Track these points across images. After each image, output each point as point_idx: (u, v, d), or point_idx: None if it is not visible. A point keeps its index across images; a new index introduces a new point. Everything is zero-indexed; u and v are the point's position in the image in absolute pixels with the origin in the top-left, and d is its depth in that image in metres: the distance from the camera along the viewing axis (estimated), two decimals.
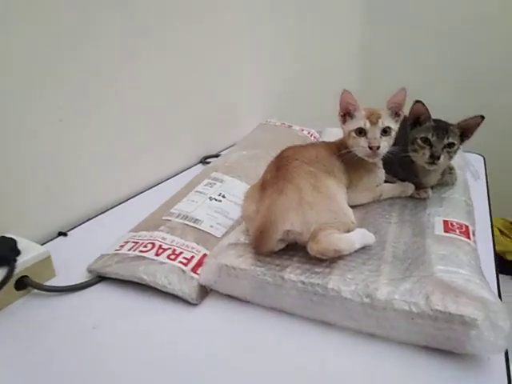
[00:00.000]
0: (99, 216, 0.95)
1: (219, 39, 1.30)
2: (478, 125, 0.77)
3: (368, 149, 0.76)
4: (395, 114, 0.79)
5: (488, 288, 0.56)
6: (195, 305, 0.66)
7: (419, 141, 0.78)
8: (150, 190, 1.09)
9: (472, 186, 0.99)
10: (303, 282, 0.60)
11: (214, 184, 0.95)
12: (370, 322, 0.57)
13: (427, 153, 0.77)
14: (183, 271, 0.68)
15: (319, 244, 0.62)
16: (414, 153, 0.80)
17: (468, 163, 1.05)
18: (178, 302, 0.66)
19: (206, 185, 0.94)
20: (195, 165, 1.28)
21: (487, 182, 1.12)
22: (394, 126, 0.78)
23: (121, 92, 0.98)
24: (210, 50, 1.26)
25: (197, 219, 0.81)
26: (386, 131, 0.77)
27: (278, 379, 0.53)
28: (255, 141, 1.23)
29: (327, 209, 0.66)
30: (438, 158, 0.76)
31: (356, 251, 0.65)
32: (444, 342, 0.54)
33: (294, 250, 0.66)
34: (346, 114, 0.79)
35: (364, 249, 0.66)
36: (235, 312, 0.65)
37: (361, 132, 0.76)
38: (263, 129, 1.36)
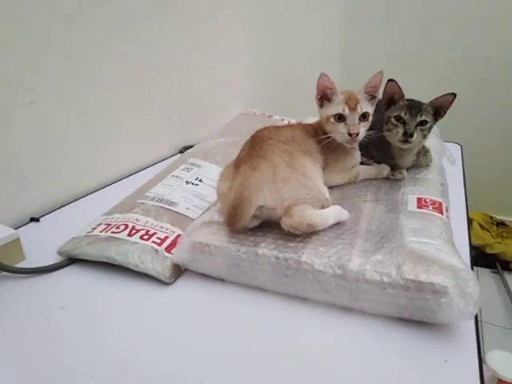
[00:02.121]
0: (74, 202, 0.94)
1: (200, 29, 1.29)
2: (451, 103, 0.78)
3: (347, 135, 0.76)
4: (371, 96, 0.80)
5: (458, 256, 0.57)
6: (169, 284, 0.65)
7: (393, 119, 0.79)
8: (127, 178, 1.08)
9: (448, 171, 1.00)
10: (277, 257, 0.59)
11: (191, 169, 0.94)
12: (343, 294, 0.57)
13: (400, 131, 0.78)
14: (156, 251, 0.67)
15: (293, 218, 0.61)
16: (388, 132, 0.81)
17: (444, 148, 1.06)
18: (152, 282, 0.65)
19: (182, 169, 0.93)
20: (175, 155, 1.26)
21: (463, 169, 1.14)
22: (371, 110, 0.79)
23: (98, 78, 0.96)
24: (191, 39, 1.26)
25: (172, 202, 0.80)
26: (364, 116, 0.77)
27: (254, 356, 0.52)
28: (234, 129, 1.22)
29: (301, 185, 0.66)
30: (411, 135, 0.77)
31: (330, 227, 0.65)
32: (416, 312, 0.54)
33: (269, 227, 0.66)
34: (324, 98, 0.79)
35: (338, 224, 0.66)
36: (210, 291, 0.64)
37: (340, 118, 0.76)
38: (243, 118, 1.36)
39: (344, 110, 0.76)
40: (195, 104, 1.33)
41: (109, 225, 0.74)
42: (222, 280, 0.65)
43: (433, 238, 0.60)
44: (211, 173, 0.93)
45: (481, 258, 2.16)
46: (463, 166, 1.14)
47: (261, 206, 0.63)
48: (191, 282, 0.66)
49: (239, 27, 1.51)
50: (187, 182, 0.88)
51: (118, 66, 1.01)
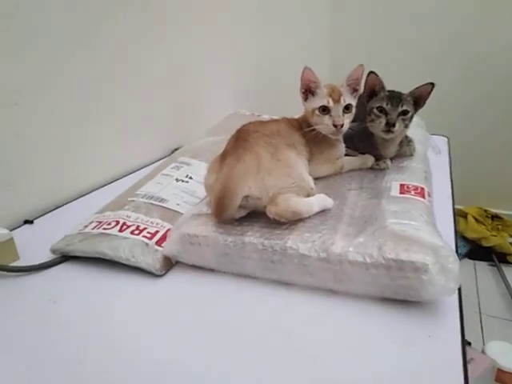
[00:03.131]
0: (67, 204, 0.95)
1: (189, 30, 1.32)
2: (429, 92, 0.80)
3: (332, 126, 0.78)
4: (353, 89, 0.82)
5: (438, 235, 0.59)
6: (160, 276, 0.66)
7: (375, 110, 0.81)
8: (119, 180, 1.09)
9: (435, 162, 1.02)
10: (263, 244, 0.61)
11: (181, 167, 0.96)
12: (328, 276, 0.58)
13: (383, 121, 0.80)
14: (147, 244, 0.68)
15: (278, 206, 0.63)
16: (371, 123, 0.83)
17: (429, 139, 1.09)
18: (143, 275, 0.66)
19: (172, 168, 0.95)
20: (166, 156, 1.28)
21: (450, 160, 1.16)
22: (354, 103, 0.81)
23: (86, 79, 0.97)
24: (181, 41, 1.28)
25: (163, 198, 0.82)
26: (347, 108, 0.79)
27: (245, 343, 0.53)
28: (223, 128, 1.23)
29: (286, 174, 0.68)
30: (394, 125, 0.79)
31: (315, 214, 0.67)
32: (399, 290, 0.56)
33: (256, 217, 0.67)
34: (308, 91, 0.81)
35: (323, 212, 0.68)
36: (200, 281, 0.65)
37: (324, 110, 0.79)
38: (232, 118, 1.38)
39: (328, 102, 0.78)
40: (186, 106, 1.36)
41: (100, 222, 0.75)
42: (211, 270, 0.66)
43: (413, 219, 0.62)
44: (201, 170, 0.93)
45: (477, 251, 2.17)
46: (450, 156, 1.16)
47: (246, 196, 0.65)
48: (182, 273, 0.67)
49: (228, 28, 1.54)
50: (177, 180, 0.90)
51: (106, 67, 1.03)
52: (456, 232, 0.75)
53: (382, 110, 0.81)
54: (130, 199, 0.82)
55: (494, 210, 2.38)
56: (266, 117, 1.41)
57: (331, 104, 0.78)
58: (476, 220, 2.31)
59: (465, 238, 2.19)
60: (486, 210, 2.37)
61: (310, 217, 0.66)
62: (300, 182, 0.68)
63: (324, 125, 0.79)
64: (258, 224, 0.66)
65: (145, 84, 1.16)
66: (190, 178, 0.92)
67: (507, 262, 2.16)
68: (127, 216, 0.75)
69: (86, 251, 0.69)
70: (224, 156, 0.71)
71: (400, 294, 0.56)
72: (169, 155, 1.28)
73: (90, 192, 1.01)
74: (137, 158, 1.18)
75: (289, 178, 0.67)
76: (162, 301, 0.62)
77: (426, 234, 0.58)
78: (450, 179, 1.01)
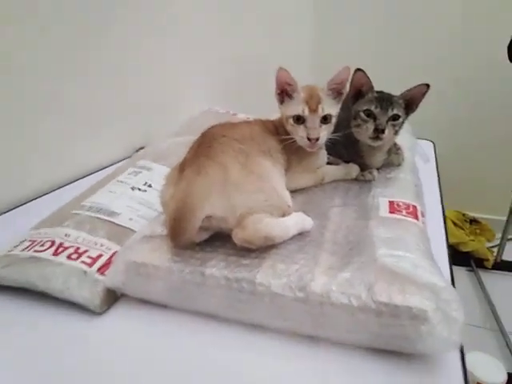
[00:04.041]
0: (2, 215, 0.81)
1: (159, 22, 1.18)
2: (423, 94, 0.71)
3: (306, 139, 0.67)
4: (337, 93, 0.71)
5: (438, 272, 0.49)
6: (100, 314, 0.54)
7: (362, 114, 0.71)
8: (72, 184, 0.95)
9: (422, 170, 0.93)
10: (227, 278, 0.50)
11: (140, 172, 0.83)
12: (305, 320, 0.48)
13: (371, 127, 0.70)
14: (85, 273, 0.56)
15: (245, 230, 0.52)
16: (357, 128, 0.73)
17: (416, 146, 0.99)
18: (80, 311, 0.54)
19: (129, 174, 0.82)
20: (130, 156, 1.15)
21: (437, 167, 1.07)
22: (335, 111, 0.70)
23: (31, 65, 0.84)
24: (150, 29, 1.15)
25: (113, 212, 0.69)
26: (326, 118, 0.69)
27: None
28: (193, 127, 1.11)
29: (257, 190, 0.56)
30: (383, 131, 0.69)
31: (291, 238, 0.56)
32: (391, 340, 0.45)
33: (221, 240, 0.56)
34: (284, 93, 0.70)
35: (301, 235, 0.57)
36: (150, 321, 0.54)
37: (299, 119, 0.68)
38: (205, 116, 1.25)
39: (304, 111, 0.67)
40: (155, 102, 1.22)
41: (33, 241, 0.62)
42: (165, 306, 0.54)
43: (408, 249, 0.52)
44: (162, 177, 0.81)
45: (455, 256, 2.13)
46: (437, 163, 1.08)
47: (209, 217, 0.53)
48: (128, 309, 0.55)
49: (206, 23, 1.40)
50: (133, 188, 0.77)
51: (54, 63, 0.89)
52: (449, 252, 0.66)
53: (369, 113, 0.70)
54: (73, 212, 0.69)
55: (472, 214, 2.34)
56: (241, 116, 1.29)
57: (306, 113, 0.67)
58: (454, 224, 2.27)
59: None
60: (464, 214, 2.33)
61: (285, 241, 0.55)
62: (274, 200, 0.57)
63: (298, 136, 0.68)
64: (224, 250, 0.54)
65: (107, 74, 1.02)
66: (149, 186, 0.79)
67: (484, 268, 2.13)
68: (66, 235, 0.62)
69: (11, 280, 0.56)
70: (183, 166, 0.59)
71: (392, 345, 0.46)
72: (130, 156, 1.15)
73: (30, 200, 0.86)
74: (93, 159, 1.04)
75: (261, 195, 0.56)
76: (100, 345, 0.50)
77: (423, 270, 0.48)
78: (439, 190, 0.92)
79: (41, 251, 0.59)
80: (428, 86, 0.70)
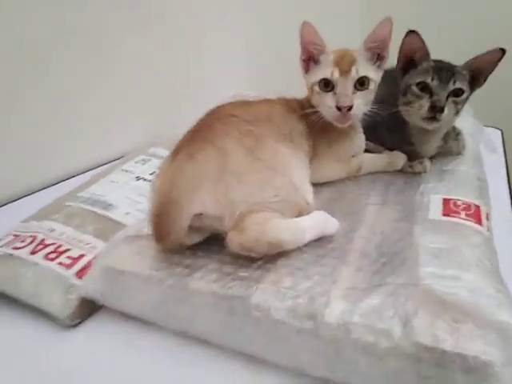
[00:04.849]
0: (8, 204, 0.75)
1: (190, 7, 1.08)
2: (496, 63, 0.55)
3: (336, 109, 0.54)
4: (377, 56, 0.57)
5: (508, 302, 0.34)
6: (73, 326, 0.45)
7: (414, 88, 0.56)
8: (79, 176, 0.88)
9: (487, 163, 0.76)
10: (216, 295, 0.38)
11: (149, 160, 0.74)
12: (315, 360, 0.35)
13: (426, 104, 0.55)
14: (60, 277, 0.47)
15: (244, 234, 0.40)
16: (406, 106, 0.58)
17: (481, 132, 0.81)
18: (51, 323, 0.45)
19: (137, 162, 0.73)
20: None
21: (506, 159, 0.88)
22: (375, 75, 0.57)
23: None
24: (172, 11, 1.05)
25: (109, 204, 0.61)
26: (362, 83, 0.55)
27: None
28: None
29: (265, 182, 0.44)
30: (442, 109, 0.54)
31: (309, 244, 0.43)
32: None
33: (217, 243, 0.44)
34: (311, 59, 0.57)
35: (322, 241, 0.44)
36: (128, 337, 0.44)
37: (327, 85, 0.54)
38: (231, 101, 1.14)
39: (332, 73, 0.54)
40: (178, 86, 1.12)
41: (17, 236, 0.55)
42: (148, 322, 0.44)
43: (467, 268, 0.37)
44: None
45: None
46: (505, 155, 0.88)
47: (199, 214, 0.42)
48: (106, 323, 0.46)
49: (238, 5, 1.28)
50: (138, 178, 0.68)
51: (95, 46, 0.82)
52: None
53: (424, 87, 0.56)
54: (67, 204, 0.61)
55: None
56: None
57: (336, 76, 0.54)
58: None
59: None
60: None
61: (299, 248, 0.43)
62: (287, 195, 0.45)
63: (325, 106, 0.55)
64: (219, 256, 0.43)
65: (127, 67, 0.94)
66: None
67: None
68: (50, 230, 0.54)
69: None
70: (177, 150, 0.48)
71: None
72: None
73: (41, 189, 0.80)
74: (118, 148, 0.96)
75: (269, 189, 0.44)
76: (71, 364, 0.41)
77: (488, 299, 0.33)
78: (508, 187, 0.74)
79: (19, 248, 0.51)
80: (504, 51, 0.53)
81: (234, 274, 0.40)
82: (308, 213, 0.46)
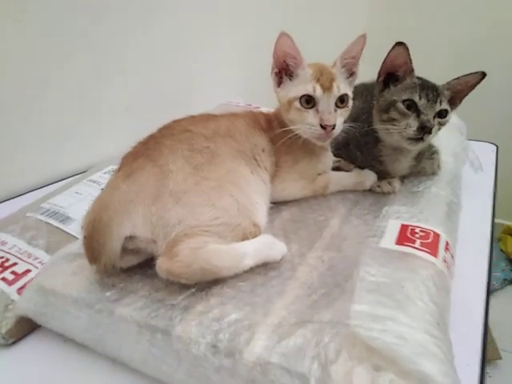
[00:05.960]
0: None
1: (181, 16, 1.08)
2: (474, 86, 0.52)
3: (320, 128, 0.51)
4: (349, 72, 0.56)
5: (444, 350, 0.31)
6: (7, 346, 0.44)
7: (401, 105, 0.53)
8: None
9: (472, 181, 0.73)
10: (139, 324, 0.36)
11: None
12: None
13: (414, 124, 0.52)
14: (1, 293, 0.46)
15: (174, 260, 0.38)
16: (387, 124, 0.54)
17: (467, 149, 0.78)
18: None
19: (105, 172, 0.72)
20: None
21: (496, 177, 0.84)
22: (350, 92, 0.55)
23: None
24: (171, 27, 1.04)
25: (68, 217, 0.59)
26: (342, 100, 0.53)
27: None
28: None
29: (206, 203, 0.42)
30: (430, 130, 0.51)
31: (250, 271, 0.41)
32: None
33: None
34: (284, 72, 0.55)
35: (265, 267, 0.42)
36: (63, 358, 0.42)
37: (308, 101, 0.52)
38: (221, 110, 1.12)
39: (315, 90, 0.51)
40: (165, 91, 1.11)
41: None
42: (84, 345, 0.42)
43: (402, 307, 0.34)
44: None
45: None
46: (496, 171, 0.85)
47: (133, 237, 0.40)
48: (41, 344, 0.44)
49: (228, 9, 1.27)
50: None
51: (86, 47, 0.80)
52: (487, 306, 0.47)
53: (410, 105, 0.53)
54: (27, 214, 0.60)
55: None
56: (263, 110, 1.14)
57: (319, 93, 0.51)
58: None
59: None
60: None
61: (238, 275, 0.41)
62: (230, 217, 0.43)
63: (306, 124, 0.52)
64: (152, 281, 0.41)
65: (113, 63, 0.93)
66: None
67: None
68: (2, 242, 0.53)
69: None
70: (121, 166, 0.47)
71: None
72: None
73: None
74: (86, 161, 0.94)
75: (209, 209, 0.42)
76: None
77: (412, 347, 0.30)
78: (492, 209, 0.70)
79: None
80: (484, 74, 0.51)
81: (162, 302, 0.38)
82: (254, 236, 0.44)
